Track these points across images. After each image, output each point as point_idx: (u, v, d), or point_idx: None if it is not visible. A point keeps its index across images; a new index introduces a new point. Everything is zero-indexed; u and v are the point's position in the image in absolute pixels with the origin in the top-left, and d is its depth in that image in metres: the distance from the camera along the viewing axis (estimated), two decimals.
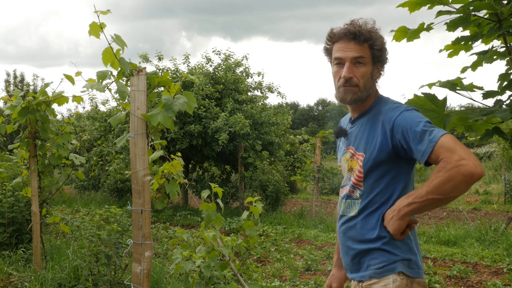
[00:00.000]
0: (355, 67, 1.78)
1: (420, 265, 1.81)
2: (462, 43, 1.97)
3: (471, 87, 1.72)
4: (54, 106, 4.65)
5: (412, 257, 1.77)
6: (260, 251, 6.46)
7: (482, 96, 1.78)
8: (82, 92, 3.03)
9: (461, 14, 1.82)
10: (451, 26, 1.88)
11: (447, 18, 1.86)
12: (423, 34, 1.95)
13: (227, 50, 11.87)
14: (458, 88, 1.77)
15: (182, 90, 2.78)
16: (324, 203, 12.28)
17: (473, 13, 1.81)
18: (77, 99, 4.30)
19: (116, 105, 11.71)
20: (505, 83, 1.87)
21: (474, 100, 1.80)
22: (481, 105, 1.81)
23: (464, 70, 2.04)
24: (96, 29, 2.51)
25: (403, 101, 1.87)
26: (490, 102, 1.88)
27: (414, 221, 1.73)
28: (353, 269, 1.88)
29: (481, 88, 1.75)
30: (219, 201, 3.06)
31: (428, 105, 1.68)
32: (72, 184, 14.16)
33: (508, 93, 1.79)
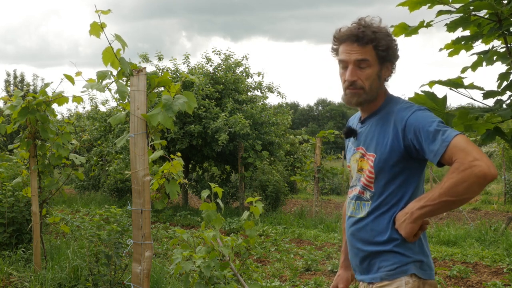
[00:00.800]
0: (359, 69, 1.77)
1: (432, 267, 1.80)
2: (463, 42, 1.97)
3: (471, 87, 1.72)
4: (54, 106, 4.65)
5: (424, 258, 1.76)
6: (260, 251, 6.46)
7: (483, 96, 1.78)
8: (82, 92, 3.03)
9: (461, 14, 1.82)
10: (451, 26, 1.88)
11: (447, 17, 1.86)
12: (423, 35, 1.95)
13: (227, 50, 11.88)
14: (459, 87, 1.77)
15: (182, 90, 2.78)
16: (324, 203, 12.28)
17: (473, 13, 1.81)
18: (77, 99, 4.29)
19: (116, 105, 11.71)
20: (505, 83, 1.87)
21: (474, 100, 1.80)
22: (481, 105, 1.81)
23: (464, 70, 2.04)
24: (96, 29, 2.51)
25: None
26: (490, 102, 1.88)
27: (426, 222, 1.72)
28: (362, 271, 1.86)
29: (481, 89, 1.75)
30: (219, 201, 3.06)
31: (428, 103, 1.67)
32: (72, 184, 14.16)
33: (508, 93, 1.79)
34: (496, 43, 1.99)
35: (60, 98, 4.40)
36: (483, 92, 1.76)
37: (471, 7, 1.76)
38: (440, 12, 1.82)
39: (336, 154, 19.38)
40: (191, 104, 2.63)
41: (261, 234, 7.76)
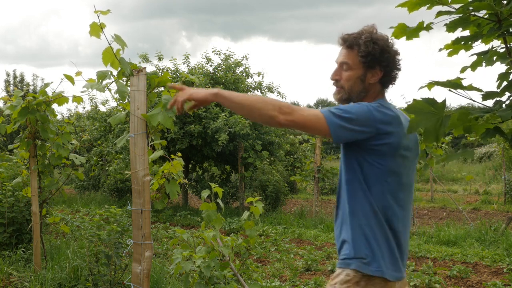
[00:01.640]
0: (343, 70, 1.95)
1: (381, 264, 1.81)
2: (462, 42, 1.97)
3: (470, 88, 1.72)
4: (54, 106, 4.66)
5: (369, 256, 1.81)
6: (260, 251, 6.46)
7: (482, 97, 1.78)
8: (82, 92, 3.03)
9: (461, 15, 1.82)
10: (451, 27, 1.88)
11: (447, 18, 1.86)
12: (424, 35, 1.95)
13: (227, 50, 11.88)
14: (458, 88, 1.77)
15: None
16: (324, 203, 12.28)
17: (472, 13, 1.82)
18: (77, 99, 4.30)
19: (116, 105, 11.71)
20: (505, 83, 1.87)
21: (473, 101, 1.79)
22: (481, 105, 1.81)
23: (463, 70, 2.04)
24: (96, 29, 2.52)
25: (403, 102, 1.88)
26: (489, 103, 1.88)
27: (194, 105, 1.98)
28: None
29: (480, 90, 1.75)
30: (219, 201, 3.06)
31: (427, 108, 1.67)
32: (72, 184, 14.16)
33: (507, 94, 1.79)
34: (496, 43, 1.99)
35: (60, 98, 4.41)
36: (482, 93, 1.76)
37: (471, 8, 1.76)
38: (440, 13, 1.82)
39: (336, 154, 19.38)
40: (191, 104, 2.63)
41: (261, 234, 7.76)
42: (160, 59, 11.16)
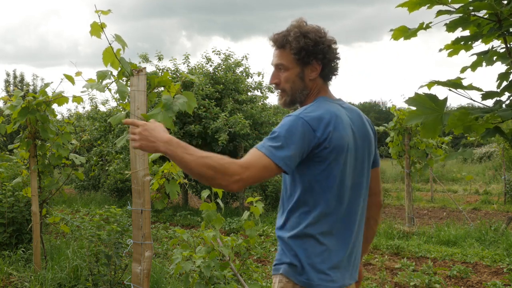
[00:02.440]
0: (280, 72, 1.84)
1: (313, 277, 1.71)
2: (462, 43, 1.97)
3: (470, 88, 1.72)
4: (54, 106, 4.66)
5: (297, 263, 1.72)
6: (260, 251, 6.46)
7: (482, 97, 1.78)
8: (82, 92, 3.03)
9: (461, 14, 1.82)
10: (451, 27, 1.88)
11: (447, 18, 1.86)
12: (424, 35, 1.95)
13: (227, 50, 11.90)
14: (458, 87, 1.77)
15: (182, 90, 2.78)
16: None
17: (472, 13, 1.81)
18: (77, 99, 4.30)
19: (116, 105, 11.71)
20: (505, 83, 1.87)
21: (474, 100, 1.80)
22: (481, 105, 1.81)
23: (463, 70, 2.04)
24: (97, 29, 2.51)
25: (402, 100, 1.87)
26: (489, 103, 1.88)
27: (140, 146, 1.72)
28: None
29: (480, 90, 1.75)
30: (219, 201, 3.06)
31: (428, 103, 1.67)
32: (72, 184, 14.16)
33: (507, 94, 1.79)
34: (496, 43, 1.99)
35: (60, 98, 4.41)
36: (482, 93, 1.76)
37: (471, 7, 1.76)
38: (440, 13, 1.82)
39: None
40: (191, 104, 2.63)
41: (261, 234, 7.76)
42: (160, 59, 11.16)
